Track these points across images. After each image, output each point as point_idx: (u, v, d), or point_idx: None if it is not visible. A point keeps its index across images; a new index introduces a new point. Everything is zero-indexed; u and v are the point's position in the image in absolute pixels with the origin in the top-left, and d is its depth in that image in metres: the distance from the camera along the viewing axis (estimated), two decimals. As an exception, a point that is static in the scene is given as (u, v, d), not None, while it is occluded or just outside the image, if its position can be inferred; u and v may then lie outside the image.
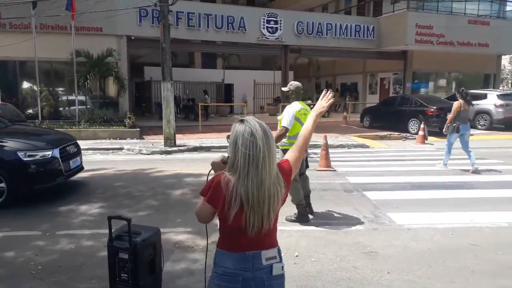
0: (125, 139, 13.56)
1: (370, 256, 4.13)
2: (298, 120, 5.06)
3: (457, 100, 8.27)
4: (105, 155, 11.04)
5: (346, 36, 19.72)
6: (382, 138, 14.57)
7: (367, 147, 12.63)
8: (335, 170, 8.41)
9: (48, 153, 6.23)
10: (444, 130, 8.41)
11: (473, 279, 3.64)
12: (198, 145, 12.20)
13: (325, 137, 8.86)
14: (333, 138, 13.67)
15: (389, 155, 11.03)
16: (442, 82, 24.50)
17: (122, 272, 3.10)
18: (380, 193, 6.66)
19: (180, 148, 11.74)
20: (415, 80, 22.85)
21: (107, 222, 3.17)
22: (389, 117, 16.26)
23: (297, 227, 5.07)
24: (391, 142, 13.77)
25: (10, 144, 6.21)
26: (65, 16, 14.23)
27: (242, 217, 1.73)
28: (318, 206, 5.95)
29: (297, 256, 4.15)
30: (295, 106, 5.13)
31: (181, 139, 12.97)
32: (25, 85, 16.56)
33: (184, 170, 8.48)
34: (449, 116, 8.20)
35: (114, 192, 6.86)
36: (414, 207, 5.89)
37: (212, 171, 2.01)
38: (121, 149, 11.83)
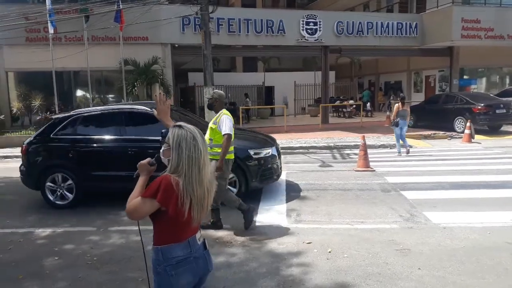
0: (171, 142, 14.16)
1: (403, 253, 4.21)
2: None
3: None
4: (152, 158, 11.63)
5: (388, 34, 19.37)
6: (426, 137, 14.23)
7: (410, 147, 12.39)
8: (374, 170, 8.42)
9: (269, 151, 6.55)
10: (390, 125, 11.02)
11: (506, 276, 3.64)
12: (239, 147, 12.54)
13: (363, 137, 8.87)
14: (375, 138, 13.56)
15: (432, 154, 10.81)
16: (494, 77, 23.38)
17: (166, 262, 3.44)
18: (418, 192, 6.63)
19: (222, 150, 12.11)
20: (463, 77, 22.00)
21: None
22: (434, 116, 15.82)
23: (331, 225, 5.22)
24: (435, 142, 13.43)
25: (239, 143, 6.48)
26: (114, 28, 15.15)
27: (191, 211, 1.98)
28: (354, 205, 6.07)
29: (330, 252, 4.31)
30: (228, 113, 5.08)
31: (223, 142, 13.36)
32: (79, 93, 17.75)
33: (225, 171, 8.81)
34: (392, 115, 10.98)
35: (160, 192, 7.31)
36: (453, 206, 5.84)
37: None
38: (166, 152, 12.40)
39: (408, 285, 3.54)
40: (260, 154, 6.36)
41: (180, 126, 2.04)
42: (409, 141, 13.14)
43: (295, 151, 11.99)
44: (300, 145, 12.59)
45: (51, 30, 14.63)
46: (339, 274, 3.78)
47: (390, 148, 12.19)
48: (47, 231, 5.41)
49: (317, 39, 18.40)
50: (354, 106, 22.23)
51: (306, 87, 24.86)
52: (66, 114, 6.93)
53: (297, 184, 7.47)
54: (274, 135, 14.97)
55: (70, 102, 17.27)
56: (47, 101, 16.31)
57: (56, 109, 15.59)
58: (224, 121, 4.93)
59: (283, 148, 12.31)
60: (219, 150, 4.96)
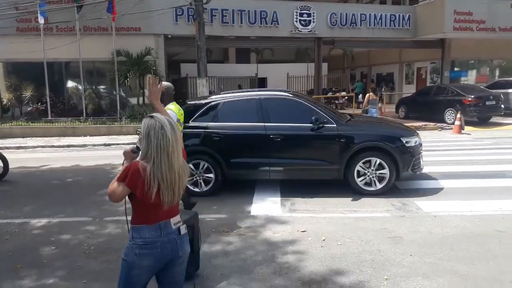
0: (164, 133, 14.19)
1: (395, 241, 4.32)
2: (178, 120, 4.96)
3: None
4: (146, 149, 11.65)
5: (381, 26, 19.41)
6: (417, 128, 14.26)
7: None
8: (366, 161, 8.50)
9: (417, 139, 6.29)
10: (361, 112, 12.91)
11: (494, 262, 3.76)
12: (232, 138, 12.56)
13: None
14: (367, 130, 13.66)
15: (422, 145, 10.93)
16: (484, 70, 23.60)
17: (164, 250, 3.50)
18: (410, 182, 6.73)
19: (216, 141, 12.15)
20: (454, 69, 22.18)
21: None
22: (425, 107, 15.98)
23: (325, 214, 5.31)
24: (426, 133, 13.57)
25: (389, 130, 6.33)
26: (106, 18, 15.00)
27: (160, 194, 2.13)
28: (346, 195, 6.16)
29: (324, 240, 4.40)
30: (173, 107, 4.93)
31: (216, 133, 13.38)
32: (70, 84, 17.58)
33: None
34: (364, 103, 12.69)
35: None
36: (443, 195, 5.97)
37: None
38: (160, 143, 12.42)
39: (400, 271, 3.64)
40: (411, 143, 6.12)
41: (151, 117, 2.18)
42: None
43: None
44: (293, 136, 12.63)
45: (41, 20, 14.45)
46: (333, 261, 3.88)
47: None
48: (43, 221, 5.42)
49: (311, 31, 18.40)
50: (346, 97, 22.32)
51: (298, 78, 24.85)
52: (204, 101, 6.72)
53: (291, 175, 7.53)
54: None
55: (61, 93, 17.12)
56: (38, 92, 16.16)
57: (48, 100, 15.47)
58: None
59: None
60: None
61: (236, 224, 5.04)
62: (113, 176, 7.46)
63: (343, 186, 6.67)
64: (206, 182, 6.41)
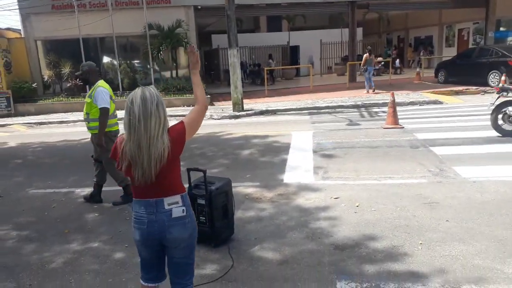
0: (197, 105, 14.34)
1: (431, 206, 4.25)
2: (111, 98, 4.80)
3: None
4: (180, 121, 11.88)
5: (419, -15, 18.45)
6: (457, 93, 13.78)
7: (440, 103, 12.09)
8: (402, 127, 8.31)
9: None
10: (360, 71, 15.51)
11: (537, 227, 3.64)
12: (264, 108, 12.57)
13: (392, 94, 8.69)
14: (404, 96, 13.24)
15: (463, 110, 10.51)
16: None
17: (201, 216, 3.63)
18: (448, 148, 6.54)
19: (248, 112, 12.20)
20: (499, 29, 20.80)
21: (186, 174, 3.69)
22: (467, 71, 15.21)
23: (359, 181, 5.27)
24: (467, 97, 13.00)
25: None
26: (136, -9, 15.06)
27: (131, 170, 2.04)
28: (381, 162, 6.07)
29: (357, 206, 4.39)
30: (104, 85, 4.78)
31: (248, 104, 13.41)
32: (106, 59, 17.95)
33: (251, 132, 8.94)
34: (362, 62, 14.76)
35: (190, 152, 7.51)
36: (483, 161, 5.75)
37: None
38: (194, 115, 12.58)
39: (435, 236, 3.59)
40: None
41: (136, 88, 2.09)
42: (440, 97, 12.85)
43: (321, 111, 11.91)
44: (327, 104, 12.47)
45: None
46: (367, 227, 3.88)
47: (420, 105, 11.93)
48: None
49: (344, -6, 17.73)
50: (382, 63, 21.58)
51: (332, 45, 24.23)
52: None
53: (324, 143, 7.50)
54: (299, 96, 14.91)
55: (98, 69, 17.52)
56: (76, 68, 16.59)
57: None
58: (100, 94, 4.61)
59: (308, 108, 12.28)
60: (97, 124, 4.72)
61: (269, 191, 5.10)
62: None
63: (377, 153, 6.57)
64: None
